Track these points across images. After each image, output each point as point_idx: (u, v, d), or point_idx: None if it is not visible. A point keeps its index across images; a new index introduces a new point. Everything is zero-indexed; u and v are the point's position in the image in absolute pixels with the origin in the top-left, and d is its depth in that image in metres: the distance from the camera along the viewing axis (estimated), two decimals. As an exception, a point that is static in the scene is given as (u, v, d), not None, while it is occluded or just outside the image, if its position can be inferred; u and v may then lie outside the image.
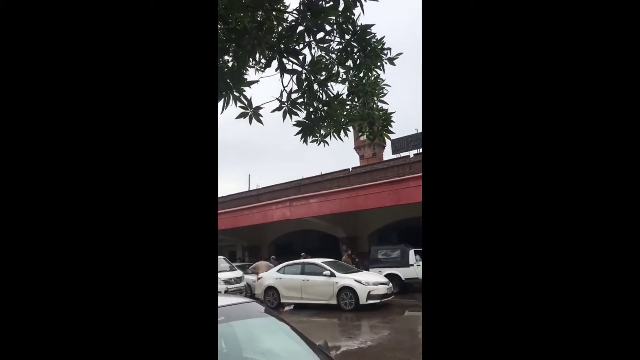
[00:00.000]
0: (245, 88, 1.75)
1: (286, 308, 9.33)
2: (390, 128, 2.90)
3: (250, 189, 20.67)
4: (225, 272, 10.80)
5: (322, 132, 2.40)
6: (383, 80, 2.74)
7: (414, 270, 10.46)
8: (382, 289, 8.59)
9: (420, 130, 16.19)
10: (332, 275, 8.97)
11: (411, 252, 10.76)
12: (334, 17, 2.00)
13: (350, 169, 14.58)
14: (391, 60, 2.53)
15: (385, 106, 2.88)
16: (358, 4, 2.03)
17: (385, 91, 2.78)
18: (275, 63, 1.71)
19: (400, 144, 15.77)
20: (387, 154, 17.92)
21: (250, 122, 1.90)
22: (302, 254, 12.41)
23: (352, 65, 2.38)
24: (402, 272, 10.71)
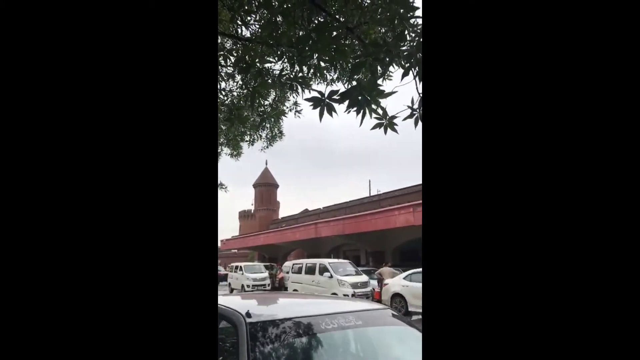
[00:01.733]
0: (380, 99, 1.80)
1: (414, 317, 9.06)
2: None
3: (371, 194, 20.85)
4: (352, 275, 11.11)
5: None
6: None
7: None
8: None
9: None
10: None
11: None
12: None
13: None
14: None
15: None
16: None
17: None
18: (411, 72, 1.71)
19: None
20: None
21: (385, 132, 1.93)
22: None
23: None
24: None
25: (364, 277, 11.33)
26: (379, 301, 9.72)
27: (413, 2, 1.74)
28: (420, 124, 2.16)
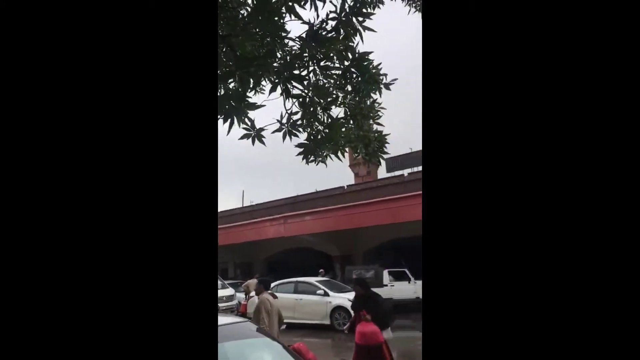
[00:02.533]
0: (249, 111, 1.83)
1: (282, 327, 9.20)
2: (384, 149, 2.99)
3: (244, 205, 20.61)
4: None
5: (323, 152, 2.48)
6: (380, 104, 2.85)
7: (388, 290, 10.43)
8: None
9: (414, 149, 16.42)
10: (326, 294, 8.90)
11: (385, 273, 10.74)
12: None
13: (345, 187, 14.66)
14: (387, 86, 2.64)
15: (380, 128, 2.98)
16: (358, 33, 2.14)
17: (380, 114, 2.88)
18: (279, 88, 1.79)
19: (394, 163, 15.94)
20: (382, 173, 18.09)
21: (253, 143, 1.96)
22: (321, 270, 12.34)
23: (350, 89, 2.48)
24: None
25: (229, 290, 10.98)
26: (244, 314, 9.55)
27: (284, 24, 1.84)
28: (287, 138, 2.27)
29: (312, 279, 9.53)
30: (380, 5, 3.12)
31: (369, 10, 2.21)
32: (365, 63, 2.37)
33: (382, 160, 3.08)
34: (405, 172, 14.19)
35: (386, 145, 3.00)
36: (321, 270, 12.53)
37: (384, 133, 2.96)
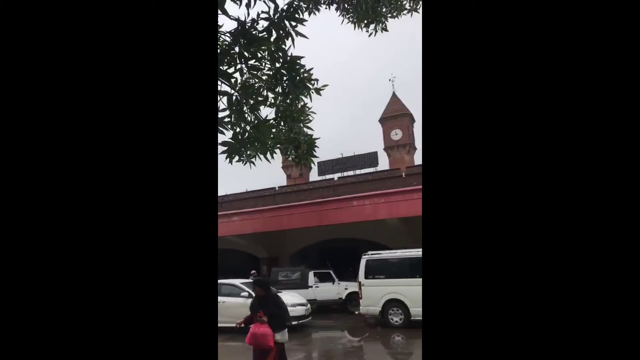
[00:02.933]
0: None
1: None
2: (314, 153, 3.05)
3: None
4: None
5: (249, 152, 2.44)
6: (310, 108, 2.90)
7: (312, 291, 10.69)
8: (300, 310, 8.59)
9: (344, 154, 16.98)
10: (250, 296, 8.73)
11: (310, 274, 11.01)
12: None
13: (277, 188, 14.59)
14: (318, 91, 2.69)
15: (310, 132, 3.03)
16: (289, 37, 2.15)
17: (310, 118, 2.93)
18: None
19: (326, 167, 16.32)
20: (314, 175, 18.38)
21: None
22: (252, 272, 11.94)
23: (280, 91, 2.48)
24: (302, 294, 10.88)
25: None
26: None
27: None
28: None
29: (236, 281, 9.28)
30: (316, 12, 3.19)
31: (302, 16, 2.25)
32: (297, 67, 2.40)
33: (313, 164, 3.13)
34: (336, 176, 14.58)
35: (316, 148, 3.06)
36: (253, 271, 12.30)
37: (314, 137, 3.02)
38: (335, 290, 10.88)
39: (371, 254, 8.54)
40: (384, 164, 20.11)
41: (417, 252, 8.14)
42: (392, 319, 7.85)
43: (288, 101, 2.62)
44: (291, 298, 9.00)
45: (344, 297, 10.61)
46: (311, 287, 10.87)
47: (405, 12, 3.60)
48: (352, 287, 9.96)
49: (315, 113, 2.96)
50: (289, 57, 2.31)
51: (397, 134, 21.33)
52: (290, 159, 3.16)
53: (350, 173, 14.94)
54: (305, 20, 2.22)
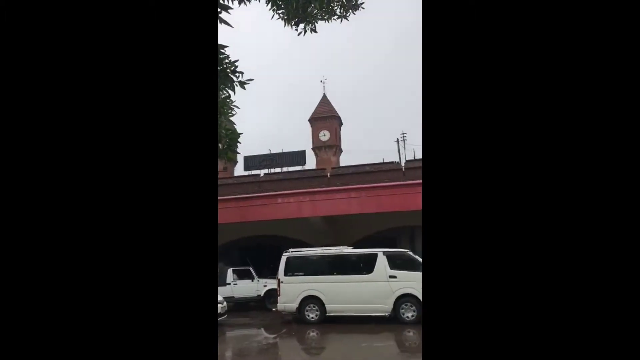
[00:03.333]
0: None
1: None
2: (236, 147, 2.97)
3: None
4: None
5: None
6: (233, 102, 2.81)
7: (230, 288, 10.55)
8: (215, 308, 8.29)
9: (272, 151, 16.86)
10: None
11: (229, 271, 10.85)
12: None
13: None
14: (242, 84, 2.62)
15: (235, 126, 2.95)
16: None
17: (234, 112, 2.85)
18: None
19: (252, 162, 16.01)
20: (239, 170, 17.90)
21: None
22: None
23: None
24: (219, 292, 10.72)
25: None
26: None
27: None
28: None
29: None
30: (247, 3, 3.09)
31: (227, 3, 2.17)
32: (220, 56, 2.31)
33: (237, 159, 3.05)
34: (262, 172, 14.40)
35: (238, 143, 2.98)
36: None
37: (237, 131, 2.94)
38: (254, 287, 10.75)
39: (292, 252, 8.61)
40: (311, 163, 20.41)
41: (336, 250, 8.42)
42: (308, 315, 8.01)
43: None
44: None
45: (262, 294, 10.54)
46: (229, 284, 10.61)
47: (335, 17, 3.68)
48: (272, 284, 9.93)
49: (238, 107, 2.88)
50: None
51: (325, 135, 21.83)
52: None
53: (278, 170, 14.88)
54: (231, 8, 2.15)
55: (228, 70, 2.37)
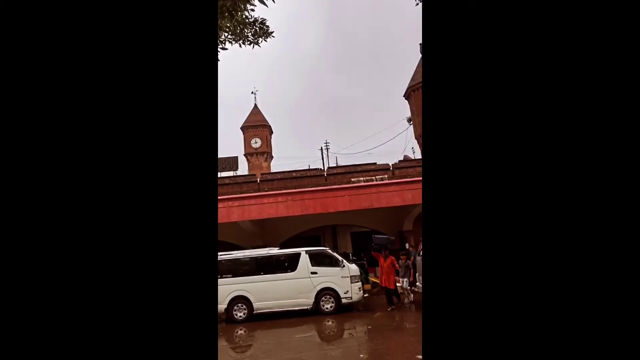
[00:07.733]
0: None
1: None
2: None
3: None
4: None
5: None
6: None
7: None
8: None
9: (228, 155, 16.92)
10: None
11: None
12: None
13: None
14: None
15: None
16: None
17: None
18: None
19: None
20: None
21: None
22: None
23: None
24: None
25: None
26: None
27: None
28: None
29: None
30: None
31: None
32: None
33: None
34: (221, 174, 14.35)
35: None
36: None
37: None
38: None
39: (221, 255, 8.86)
40: (243, 169, 20.79)
41: (262, 251, 8.91)
42: (236, 314, 8.33)
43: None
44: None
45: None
46: None
47: (248, 42, 4.12)
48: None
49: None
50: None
51: (256, 142, 22.37)
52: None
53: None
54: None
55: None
